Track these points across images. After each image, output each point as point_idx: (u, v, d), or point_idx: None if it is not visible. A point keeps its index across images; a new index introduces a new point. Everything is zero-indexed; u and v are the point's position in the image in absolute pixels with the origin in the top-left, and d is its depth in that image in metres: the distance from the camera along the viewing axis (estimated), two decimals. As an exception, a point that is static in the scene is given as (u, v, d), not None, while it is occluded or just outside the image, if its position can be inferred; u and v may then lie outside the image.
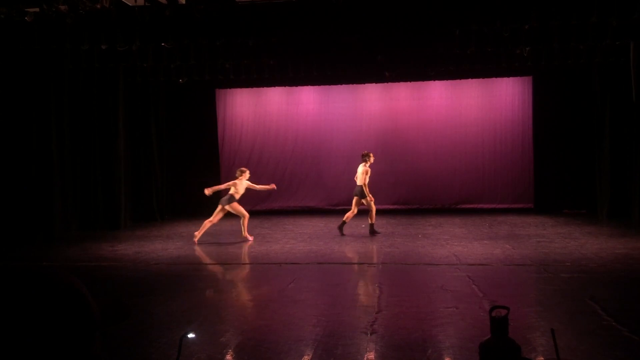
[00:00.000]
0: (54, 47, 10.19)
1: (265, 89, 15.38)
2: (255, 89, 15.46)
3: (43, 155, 11.43)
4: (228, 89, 15.59)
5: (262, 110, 15.83)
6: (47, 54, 10.91)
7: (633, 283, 6.98)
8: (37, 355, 1.04)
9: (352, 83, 14.90)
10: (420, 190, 15.05)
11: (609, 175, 12.69)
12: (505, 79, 14.72)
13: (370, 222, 11.25)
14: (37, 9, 9.26)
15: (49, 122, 11.55)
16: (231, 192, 10.80)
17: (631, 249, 9.02)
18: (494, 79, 14.61)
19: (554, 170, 14.10)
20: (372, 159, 11.21)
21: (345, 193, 15.44)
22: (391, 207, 14.98)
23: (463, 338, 5.00)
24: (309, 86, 15.26)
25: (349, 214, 11.31)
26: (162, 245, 10.55)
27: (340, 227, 11.29)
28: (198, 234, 10.77)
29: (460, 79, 14.37)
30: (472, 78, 14.33)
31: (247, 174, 10.89)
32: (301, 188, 15.69)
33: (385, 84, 14.77)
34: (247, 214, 10.95)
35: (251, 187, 10.99)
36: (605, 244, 9.52)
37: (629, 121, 11.91)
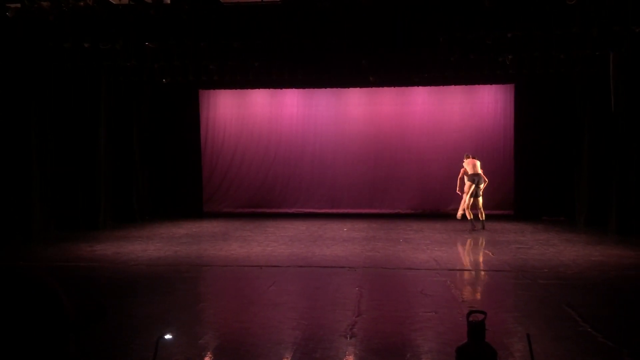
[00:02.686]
0: (35, 44, 10.05)
1: (249, 90, 15.34)
2: (239, 91, 15.42)
3: (22, 153, 11.26)
4: (211, 90, 15.52)
5: (246, 112, 15.79)
6: (28, 51, 10.76)
7: (608, 290, 7.08)
8: (10, 354, 1.03)
9: (337, 87, 14.93)
10: (401, 195, 15.13)
11: (587, 183, 12.88)
12: (487, 87, 14.88)
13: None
14: (18, 5, 9.13)
15: (29, 120, 11.38)
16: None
17: (607, 256, 9.16)
18: (476, 86, 14.75)
19: (534, 178, 14.26)
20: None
21: (328, 196, 15.48)
22: (373, 211, 15.02)
23: (442, 342, 5.03)
24: (293, 89, 15.26)
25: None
26: (141, 246, 10.46)
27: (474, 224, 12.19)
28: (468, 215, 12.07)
29: (443, 85, 14.48)
30: (455, 85, 14.45)
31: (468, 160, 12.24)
32: (283, 191, 15.67)
33: (369, 88, 14.84)
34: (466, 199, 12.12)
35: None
36: (583, 251, 9.65)
37: (607, 130, 12.10)
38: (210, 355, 4.80)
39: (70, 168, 12.69)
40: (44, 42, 9.97)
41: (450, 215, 13.79)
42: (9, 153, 11.07)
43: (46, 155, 11.94)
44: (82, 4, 9.09)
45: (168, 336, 4.49)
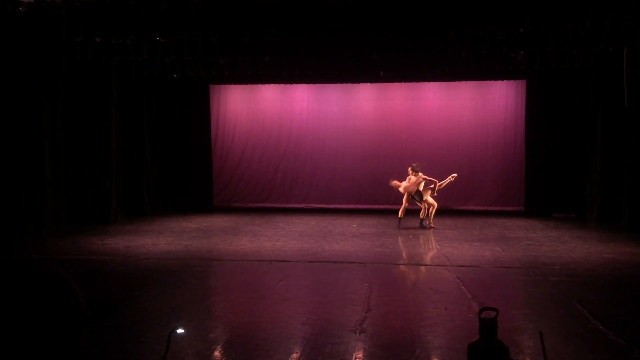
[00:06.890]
0: (47, 39, 10.10)
1: (259, 85, 15.34)
2: (249, 86, 15.43)
3: (34, 148, 11.34)
4: (222, 85, 15.54)
5: (256, 107, 15.80)
6: (40, 45, 10.82)
7: (620, 287, 7.03)
8: (24, 348, 1.04)
9: (347, 82, 14.89)
10: (412, 191, 15.07)
11: (599, 179, 12.78)
12: (499, 82, 14.77)
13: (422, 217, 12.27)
14: (31, 0, 9.18)
15: (41, 114, 11.46)
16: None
17: (619, 253, 9.09)
18: (488, 81, 14.65)
19: (545, 174, 14.17)
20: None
21: (338, 191, 15.47)
22: (382, 207, 14.99)
23: (451, 339, 5.02)
24: (304, 84, 15.24)
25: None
26: (152, 240, 10.52)
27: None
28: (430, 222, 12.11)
29: (454, 80, 14.40)
30: (466, 80, 14.36)
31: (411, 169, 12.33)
32: (293, 186, 15.68)
33: (380, 83, 14.78)
34: (428, 205, 12.34)
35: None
36: (594, 248, 9.58)
37: (620, 126, 11.99)
38: (220, 349, 4.82)
39: (81, 162, 12.77)
40: (56, 37, 10.01)
41: (458, 212, 13.77)
42: (21, 147, 11.16)
43: (58, 149, 12.03)
44: (94, -2, 9.12)
45: (180, 330, 4.51)
